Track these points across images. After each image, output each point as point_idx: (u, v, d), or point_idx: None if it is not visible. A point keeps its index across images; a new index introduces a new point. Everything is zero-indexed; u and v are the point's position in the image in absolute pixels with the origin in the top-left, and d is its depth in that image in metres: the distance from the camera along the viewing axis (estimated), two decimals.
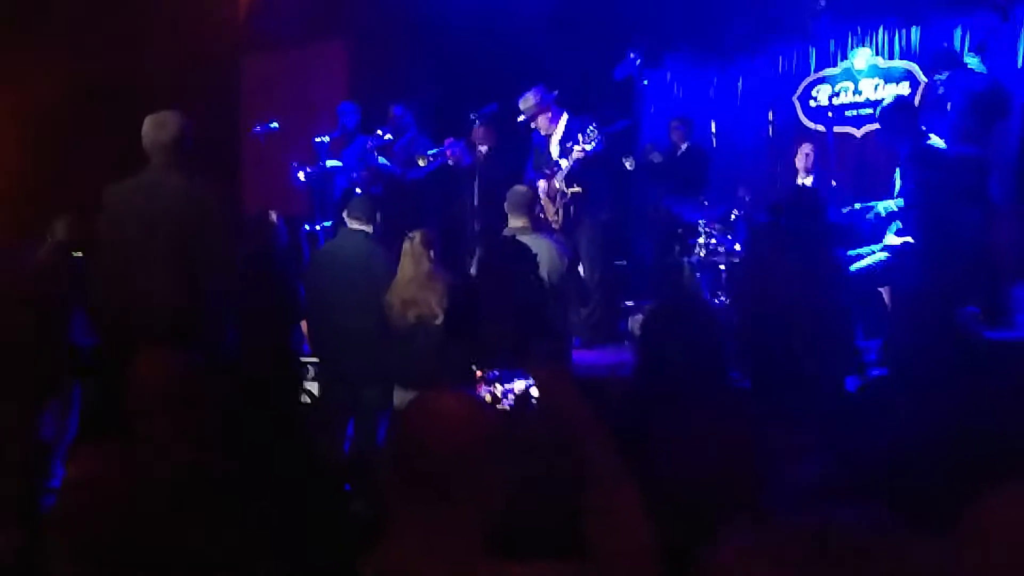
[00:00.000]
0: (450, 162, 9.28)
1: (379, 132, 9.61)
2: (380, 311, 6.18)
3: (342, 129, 10.00)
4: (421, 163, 9.36)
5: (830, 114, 9.51)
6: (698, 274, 8.52)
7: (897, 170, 7.38)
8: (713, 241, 8.45)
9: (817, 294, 5.07)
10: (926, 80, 9.19)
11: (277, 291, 6.41)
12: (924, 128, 7.20)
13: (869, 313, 7.24)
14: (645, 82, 10.49)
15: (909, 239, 7.02)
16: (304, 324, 6.78)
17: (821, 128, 9.84)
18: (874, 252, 7.24)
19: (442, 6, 10.22)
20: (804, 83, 10.44)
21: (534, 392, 4.19)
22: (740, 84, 10.88)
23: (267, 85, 11.60)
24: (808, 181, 9.06)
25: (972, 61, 7.79)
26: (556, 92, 8.59)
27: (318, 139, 9.75)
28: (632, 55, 9.93)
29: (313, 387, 6.85)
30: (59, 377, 5.47)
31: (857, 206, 7.70)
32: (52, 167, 9.15)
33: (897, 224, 7.21)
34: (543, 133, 8.56)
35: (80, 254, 6.54)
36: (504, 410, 4.23)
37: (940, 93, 7.83)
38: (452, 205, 9.39)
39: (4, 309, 5.26)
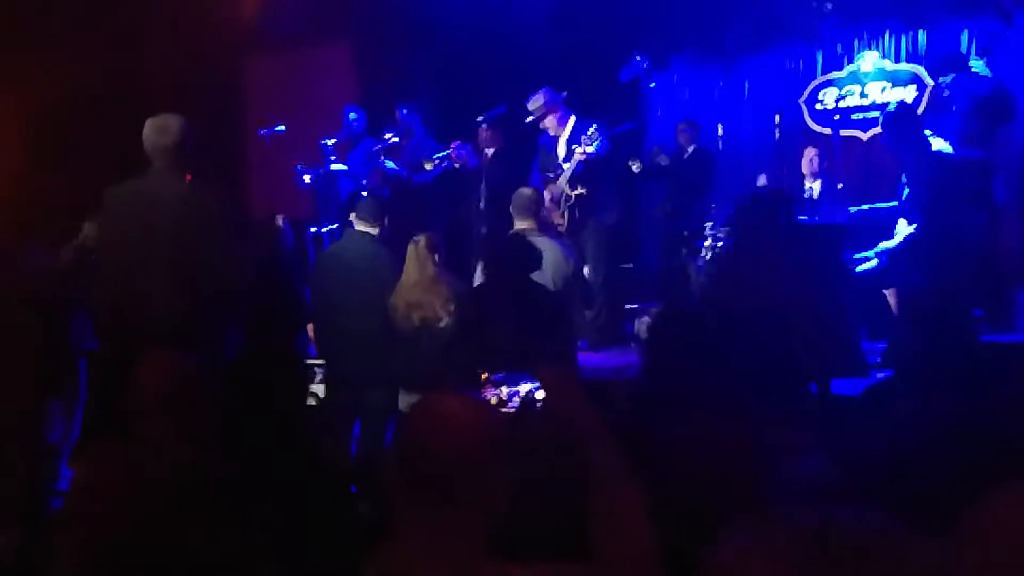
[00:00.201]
0: (456, 165, 9.28)
1: (386, 135, 9.61)
2: (386, 313, 6.19)
3: (347, 132, 10.00)
4: (428, 166, 9.36)
5: (836, 117, 9.51)
6: (704, 277, 8.51)
7: (903, 175, 7.38)
8: (719, 244, 8.45)
9: (776, 293, 5.07)
10: (932, 83, 9.18)
11: (283, 294, 6.42)
12: (929, 132, 7.20)
13: (874, 315, 7.25)
14: (652, 84, 10.50)
15: (910, 229, 7.01)
16: (310, 326, 6.79)
17: (827, 131, 9.83)
18: (879, 254, 7.25)
19: (449, 8, 10.23)
20: (810, 86, 10.43)
21: (539, 395, 4.20)
22: (746, 87, 10.87)
23: (272, 87, 11.60)
24: (815, 185, 9.05)
25: (977, 64, 7.79)
26: (565, 93, 8.60)
27: (323, 142, 9.76)
28: (639, 58, 9.93)
29: (319, 389, 6.86)
30: (61, 378, 5.48)
31: (865, 207, 7.71)
32: (53, 168, 9.15)
33: (903, 226, 7.21)
34: (552, 134, 8.57)
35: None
36: (509, 412, 4.24)
37: (945, 96, 7.83)
38: (458, 208, 9.39)
39: (5, 310, 5.28)
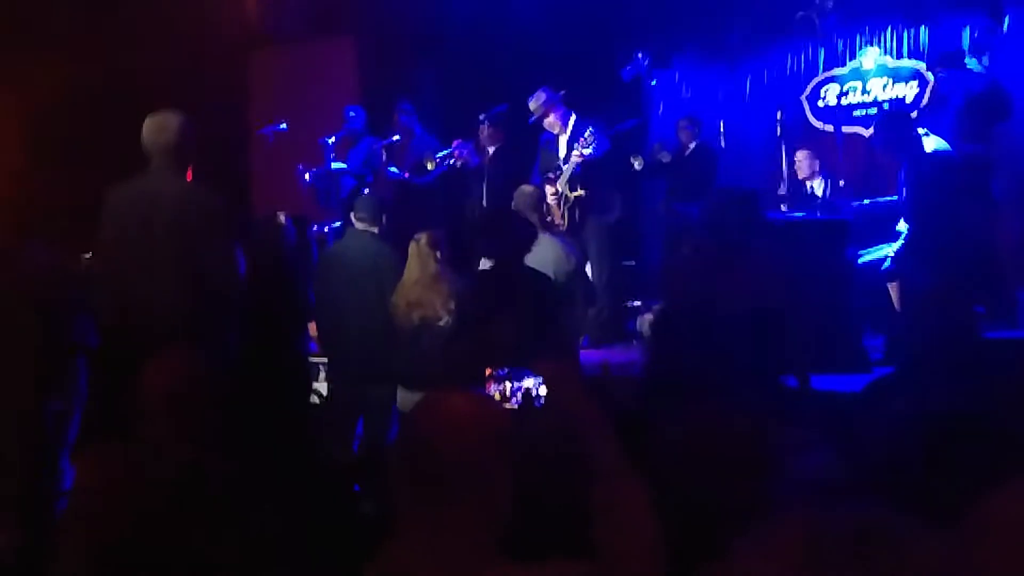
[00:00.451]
0: (458, 163, 9.29)
1: (387, 135, 9.65)
2: (388, 311, 6.20)
3: (348, 130, 10.01)
4: (429, 166, 9.37)
5: (839, 114, 9.50)
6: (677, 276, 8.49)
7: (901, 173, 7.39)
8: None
9: (740, 291, 5.08)
10: (934, 79, 9.19)
11: (286, 292, 6.42)
12: (924, 131, 7.20)
13: (876, 309, 7.26)
14: (653, 82, 10.50)
15: (905, 229, 7.02)
16: (312, 324, 6.79)
17: (830, 128, 9.82)
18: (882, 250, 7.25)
19: (451, 6, 10.24)
20: (812, 83, 10.42)
21: (542, 390, 4.20)
22: (748, 84, 10.87)
23: (275, 84, 11.61)
24: (816, 184, 9.05)
25: (971, 62, 7.80)
26: (563, 92, 8.60)
27: (323, 140, 9.77)
28: (640, 55, 9.93)
29: (322, 387, 6.87)
30: (61, 377, 5.48)
31: (866, 201, 7.71)
32: (55, 168, 9.16)
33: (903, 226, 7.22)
34: (554, 132, 8.58)
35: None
36: (513, 408, 4.23)
37: (942, 92, 7.85)
38: (460, 206, 9.40)
39: (5, 309, 5.27)
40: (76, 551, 2.97)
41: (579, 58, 10.10)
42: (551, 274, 6.30)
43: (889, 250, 7.12)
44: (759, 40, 10.61)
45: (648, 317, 7.31)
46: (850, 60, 10.14)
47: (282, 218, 6.88)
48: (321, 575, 3.15)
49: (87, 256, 6.28)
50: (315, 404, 6.62)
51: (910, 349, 4.10)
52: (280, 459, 3.54)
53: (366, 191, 9.12)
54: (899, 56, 9.91)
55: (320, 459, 4.96)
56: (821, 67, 10.42)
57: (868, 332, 7.33)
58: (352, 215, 6.85)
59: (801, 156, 9.06)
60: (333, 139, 9.78)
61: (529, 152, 8.93)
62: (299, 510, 3.31)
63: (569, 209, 8.27)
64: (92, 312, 5.52)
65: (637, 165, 9.55)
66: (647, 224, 10.39)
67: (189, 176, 5.29)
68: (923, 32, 9.79)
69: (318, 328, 6.80)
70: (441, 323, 5.98)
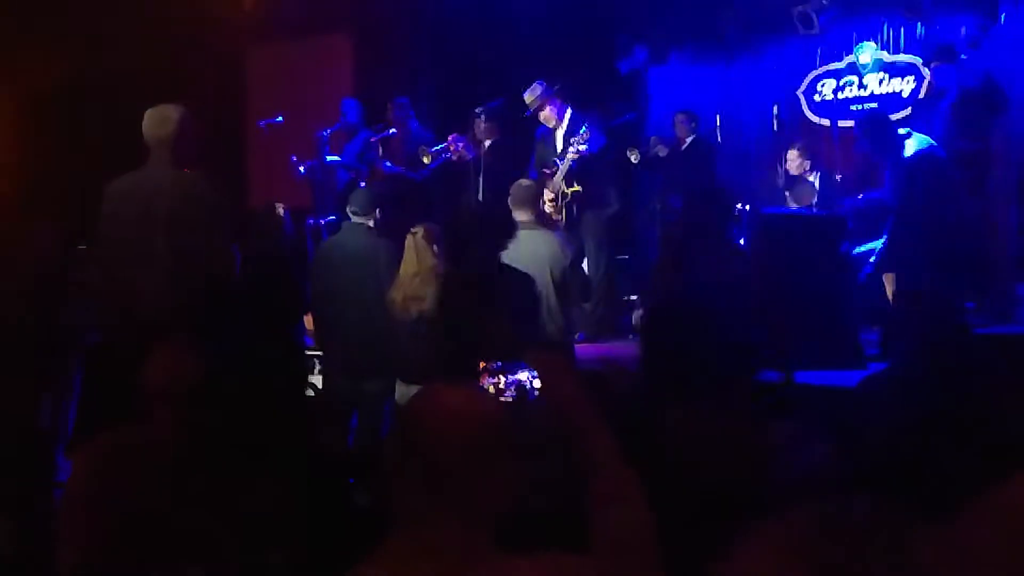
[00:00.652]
0: (454, 157, 9.29)
1: (381, 128, 9.65)
2: (384, 304, 6.20)
3: (343, 124, 10.01)
4: (425, 160, 9.37)
5: (835, 108, 9.51)
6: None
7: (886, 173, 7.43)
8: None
9: (719, 286, 5.11)
10: (930, 74, 9.20)
11: (282, 284, 6.42)
12: (905, 130, 7.22)
13: (871, 303, 7.28)
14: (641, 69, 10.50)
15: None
16: (308, 317, 6.79)
17: (826, 122, 9.84)
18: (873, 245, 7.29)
19: (447, 0, 10.23)
20: (809, 77, 10.44)
21: (535, 383, 4.20)
22: (745, 78, 10.88)
23: (272, 78, 11.61)
24: (812, 178, 9.05)
25: (967, 57, 7.82)
26: (557, 86, 8.59)
27: (319, 133, 9.77)
28: (637, 49, 9.92)
29: (317, 381, 6.87)
30: (56, 370, 5.47)
31: (860, 196, 7.72)
32: (53, 162, 9.15)
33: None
34: (550, 126, 8.57)
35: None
36: (507, 402, 4.24)
37: (938, 87, 7.87)
38: (456, 200, 9.39)
39: (7, 291, 5.26)
40: (72, 540, 2.98)
41: (576, 52, 10.10)
42: (547, 269, 6.30)
43: (876, 246, 7.17)
44: (756, 35, 10.62)
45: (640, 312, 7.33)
46: (846, 55, 10.15)
47: (280, 210, 6.89)
48: (315, 568, 3.15)
49: (82, 248, 6.27)
50: (310, 397, 6.62)
51: (904, 345, 4.11)
52: (275, 451, 3.54)
53: (362, 184, 9.13)
54: (895, 51, 9.92)
55: (314, 452, 4.96)
56: (818, 62, 10.43)
57: (864, 326, 7.34)
58: (348, 208, 6.85)
59: (792, 154, 9.07)
60: (328, 132, 9.78)
61: (525, 146, 8.92)
62: (293, 503, 3.31)
63: (566, 204, 8.28)
64: (91, 303, 5.52)
65: (634, 159, 9.56)
66: (643, 219, 10.40)
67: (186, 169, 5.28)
68: (919, 27, 9.80)
69: (314, 321, 6.80)
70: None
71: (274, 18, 10.94)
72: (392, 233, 6.78)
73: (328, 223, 9.28)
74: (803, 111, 10.40)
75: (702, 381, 3.08)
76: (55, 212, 6.91)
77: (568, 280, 6.45)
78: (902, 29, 9.91)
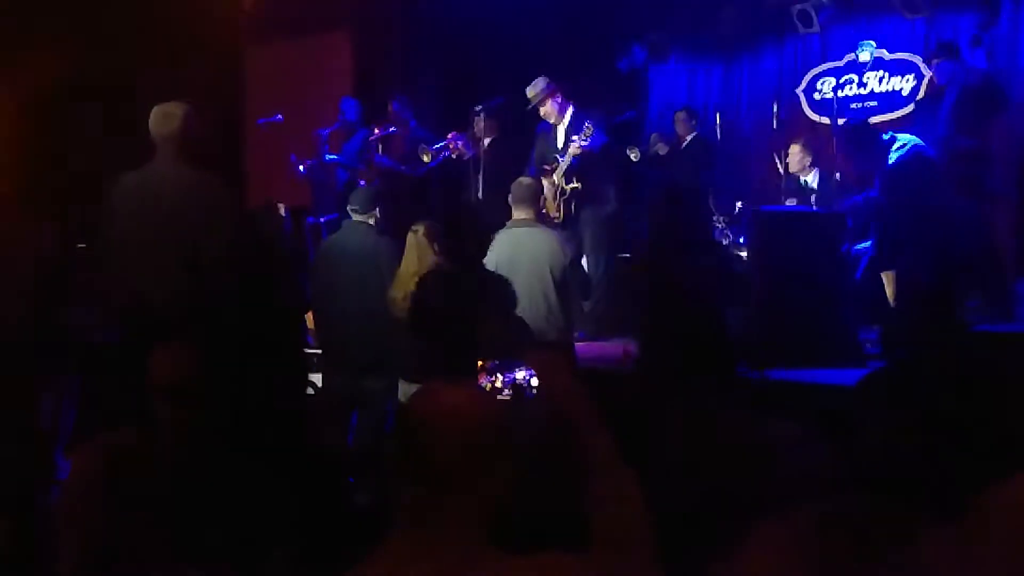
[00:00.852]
0: (454, 155, 9.29)
1: (381, 126, 9.65)
2: (386, 302, 6.20)
3: (343, 122, 10.01)
4: (425, 158, 9.37)
5: (835, 107, 9.50)
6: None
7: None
8: (716, 235, 8.45)
9: (693, 286, 5.13)
10: (930, 73, 9.21)
11: (283, 282, 6.42)
12: (890, 134, 7.23)
13: (869, 300, 7.28)
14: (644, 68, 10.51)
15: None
16: (309, 315, 6.79)
17: (826, 121, 9.83)
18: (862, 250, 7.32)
19: None
20: (809, 75, 10.44)
21: (534, 382, 4.21)
22: (745, 76, 10.88)
23: (271, 77, 11.60)
24: (810, 177, 9.05)
25: (968, 55, 7.82)
26: (563, 82, 8.58)
27: (318, 132, 9.77)
28: (637, 48, 9.92)
29: (317, 379, 6.87)
30: (54, 369, 5.47)
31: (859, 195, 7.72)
32: (52, 159, 9.14)
33: None
34: (551, 122, 8.55)
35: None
36: (505, 400, 4.25)
37: (939, 84, 7.87)
38: (456, 198, 9.39)
39: (7, 291, 5.26)
40: (73, 539, 2.98)
41: (576, 50, 10.11)
42: (547, 267, 6.31)
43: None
44: (756, 33, 10.62)
45: None
46: (847, 53, 10.14)
47: (281, 208, 6.89)
48: (315, 567, 3.15)
49: (82, 247, 6.27)
50: (310, 396, 6.62)
51: (901, 343, 4.12)
52: (275, 450, 3.54)
53: (362, 183, 9.13)
54: (895, 49, 9.91)
55: (314, 451, 4.96)
56: (818, 60, 10.43)
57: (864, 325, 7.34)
58: (348, 207, 6.86)
59: (795, 149, 9.06)
60: (328, 131, 9.79)
61: (524, 144, 8.92)
62: (293, 501, 3.31)
63: (565, 201, 8.27)
64: (91, 303, 5.52)
65: (634, 157, 9.55)
66: (642, 217, 10.39)
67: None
68: (920, 25, 9.79)
69: (315, 319, 6.80)
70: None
71: (273, 17, 10.93)
72: (392, 231, 6.79)
73: (328, 222, 9.29)
74: (803, 109, 10.40)
75: (676, 379, 3.09)
76: (55, 212, 6.89)
77: (568, 278, 6.47)
78: (902, 27, 9.90)
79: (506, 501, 2.12)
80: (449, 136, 9.29)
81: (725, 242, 8.43)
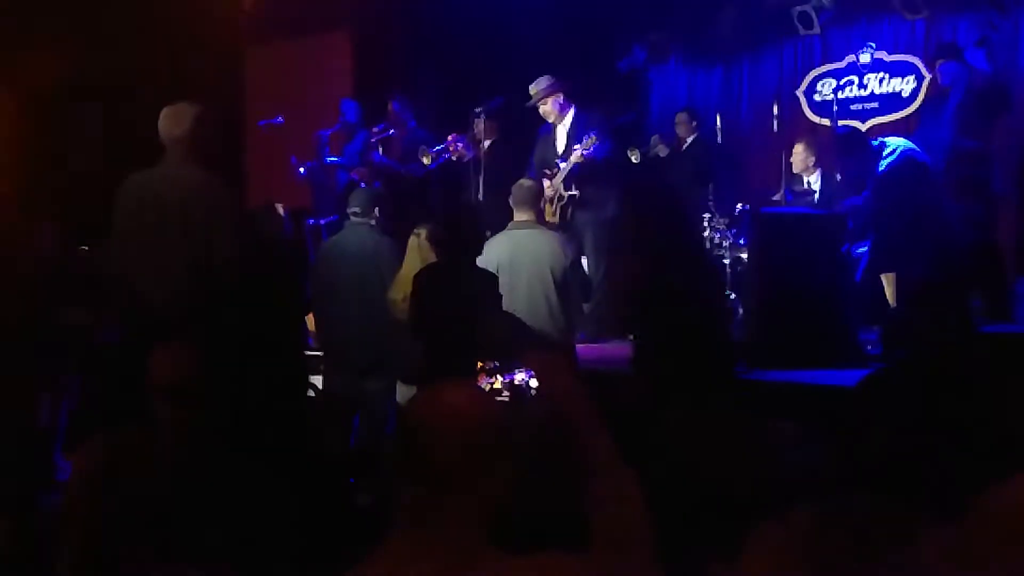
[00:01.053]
0: (453, 157, 9.29)
1: (380, 128, 9.66)
2: (386, 304, 6.20)
3: (343, 124, 10.01)
4: (425, 160, 9.37)
5: (835, 108, 9.51)
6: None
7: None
8: (718, 236, 8.46)
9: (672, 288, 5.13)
10: (930, 75, 9.21)
11: (283, 284, 6.43)
12: (879, 140, 7.24)
13: (869, 301, 7.29)
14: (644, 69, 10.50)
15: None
16: (309, 317, 6.79)
17: (826, 122, 9.83)
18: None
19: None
20: (809, 77, 10.45)
21: (533, 383, 4.21)
22: (745, 78, 10.89)
23: (272, 78, 11.61)
24: (812, 178, 9.05)
25: (973, 56, 7.81)
26: (567, 82, 8.57)
27: (318, 134, 9.77)
28: (637, 49, 9.91)
29: (317, 380, 6.87)
30: (53, 369, 5.47)
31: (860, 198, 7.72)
32: (53, 162, 9.14)
33: None
34: (551, 120, 8.53)
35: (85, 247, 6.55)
36: (504, 401, 4.25)
37: (942, 85, 7.87)
38: (456, 200, 9.39)
39: (8, 291, 5.26)
40: (74, 539, 2.98)
41: (576, 51, 10.09)
42: (548, 268, 6.31)
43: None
44: (756, 34, 10.62)
45: None
46: (847, 55, 10.14)
47: (281, 209, 6.89)
48: (317, 568, 3.15)
49: (84, 249, 6.28)
50: (311, 397, 6.62)
51: (902, 344, 4.12)
52: (277, 452, 3.54)
53: (363, 185, 9.13)
54: (895, 51, 9.92)
55: (315, 452, 4.96)
56: (818, 61, 10.43)
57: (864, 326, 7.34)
58: (348, 209, 6.86)
59: (799, 148, 9.06)
60: (328, 133, 9.79)
61: (525, 146, 8.91)
62: (293, 501, 3.31)
63: (563, 207, 8.26)
64: (95, 304, 5.52)
65: (634, 159, 9.55)
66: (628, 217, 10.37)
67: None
68: (920, 27, 9.80)
69: (316, 321, 6.80)
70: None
71: (274, 18, 10.94)
72: (392, 233, 6.79)
73: (328, 224, 9.28)
74: (803, 111, 10.40)
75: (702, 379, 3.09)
76: (55, 212, 6.90)
77: (569, 280, 6.46)
78: (902, 28, 9.90)
79: (506, 501, 2.12)
80: (449, 138, 9.29)
81: (725, 244, 8.43)
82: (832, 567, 1.87)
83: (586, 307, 7.95)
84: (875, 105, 9.89)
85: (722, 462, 2.73)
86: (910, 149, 7.14)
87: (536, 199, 6.92)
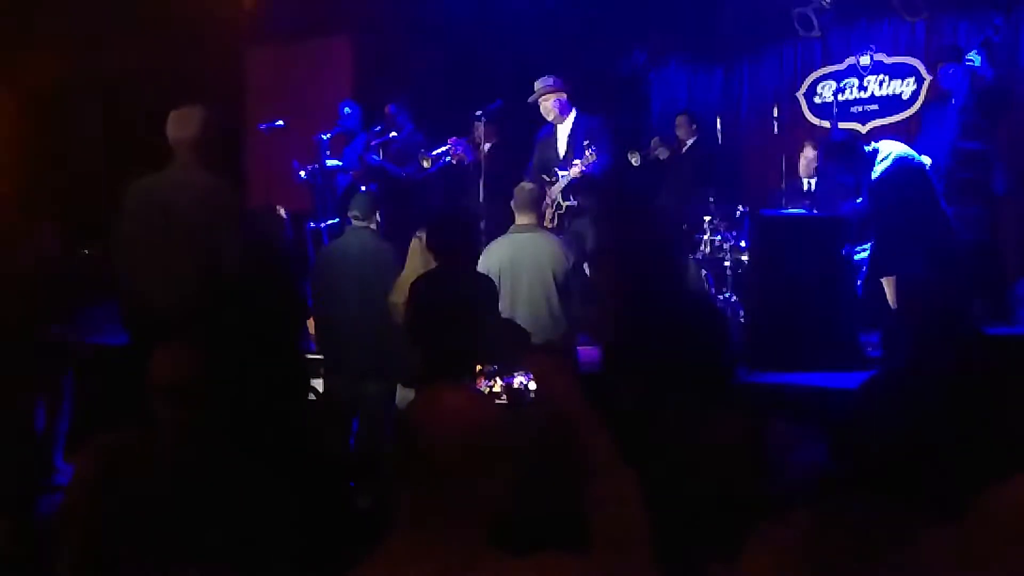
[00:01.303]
0: (453, 161, 9.29)
1: (378, 131, 9.66)
2: (387, 307, 6.20)
3: (342, 127, 10.01)
4: (425, 164, 9.37)
5: (835, 110, 9.51)
6: (704, 271, 8.51)
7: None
8: (718, 238, 8.45)
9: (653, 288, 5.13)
10: (930, 77, 9.21)
11: (283, 287, 6.42)
12: (873, 146, 7.24)
13: (870, 303, 7.29)
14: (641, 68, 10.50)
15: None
16: (310, 321, 6.79)
17: (826, 124, 9.83)
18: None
19: (447, 3, 10.22)
20: (809, 79, 10.44)
21: (532, 386, 4.20)
22: (745, 80, 10.89)
23: (271, 81, 11.61)
24: (813, 181, 9.05)
25: (975, 58, 7.80)
26: (571, 84, 8.56)
27: (318, 137, 9.78)
28: (637, 51, 9.91)
29: (318, 384, 6.86)
30: (51, 371, 5.47)
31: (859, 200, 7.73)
32: (52, 159, 9.15)
33: None
34: (550, 119, 8.50)
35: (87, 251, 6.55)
36: (503, 404, 4.24)
37: (943, 87, 7.86)
38: (457, 203, 9.38)
39: (6, 292, 5.26)
40: (74, 541, 2.98)
41: (576, 54, 10.08)
42: (550, 271, 6.32)
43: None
44: (756, 36, 10.62)
45: None
46: (847, 57, 10.14)
47: (282, 212, 6.88)
48: (317, 569, 3.15)
49: (85, 252, 6.28)
50: (311, 400, 6.62)
51: (903, 346, 4.12)
52: (276, 454, 3.54)
53: (363, 188, 9.13)
54: (895, 53, 9.92)
55: (315, 455, 4.96)
56: (818, 64, 10.43)
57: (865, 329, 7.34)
58: (349, 213, 6.86)
59: (810, 153, 9.05)
60: (328, 136, 9.79)
61: (525, 149, 8.90)
62: (295, 504, 3.31)
63: (560, 216, 8.24)
64: (93, 306, 5.52)
65: (634, 162, 9.54)
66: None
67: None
68: (920, 29, 9.80)
69: (316, 324, 6.80)
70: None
71: (273, 21, 10.95)
72: (392, 237, 6.79)
73: (328, 227, 9.28)
74: (803, 113, 10.40)
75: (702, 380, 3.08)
76: (55, 212, 6.91)
77: (570, 283, 6.46)
78: (902, 30, 9.90)
79: (506, 502, 2.12)
80: (449, 141, 9.28)
81: (726, 246, 8.43)
82: (832, 567, 1.87)
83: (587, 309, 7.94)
84: (875, 107, 9.89)
85: (722, 462, 2.73)
86: (904, 154, 7.14)
87: (537, 202, 6.93)
